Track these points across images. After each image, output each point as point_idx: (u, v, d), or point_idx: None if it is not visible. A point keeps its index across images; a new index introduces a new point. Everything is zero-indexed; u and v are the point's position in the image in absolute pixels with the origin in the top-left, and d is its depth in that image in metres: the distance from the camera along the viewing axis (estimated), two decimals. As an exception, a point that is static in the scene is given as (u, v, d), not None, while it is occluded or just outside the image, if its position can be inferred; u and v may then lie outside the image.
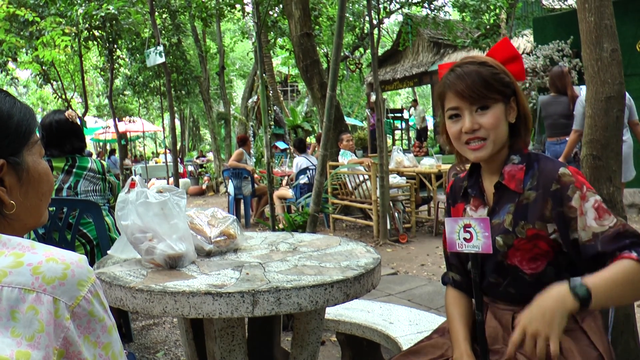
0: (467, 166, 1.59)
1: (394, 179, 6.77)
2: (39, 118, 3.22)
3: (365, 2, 8.44)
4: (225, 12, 11.56)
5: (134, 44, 11.69)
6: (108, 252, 2.05)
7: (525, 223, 1.39)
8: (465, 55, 1.56)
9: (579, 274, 1.30)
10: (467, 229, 1.37)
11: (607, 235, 1.30)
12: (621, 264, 1.25)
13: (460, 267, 1.57)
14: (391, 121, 16.35)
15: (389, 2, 11.00)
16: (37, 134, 0.94)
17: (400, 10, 12.11)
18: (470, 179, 1.55)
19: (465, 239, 1.37)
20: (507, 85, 1.43)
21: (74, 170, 3.14)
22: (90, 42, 10.00)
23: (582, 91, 5.06)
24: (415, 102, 18.92)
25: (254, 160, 12.40)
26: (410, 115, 18.27)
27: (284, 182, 9.01)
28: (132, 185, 1.91)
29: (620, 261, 1.26)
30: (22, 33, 8.65)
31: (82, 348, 0.79)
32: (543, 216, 1.37)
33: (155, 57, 6.88)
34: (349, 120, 17.35)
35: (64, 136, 3.13)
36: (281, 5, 10.03)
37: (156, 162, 19.70)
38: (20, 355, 0.72)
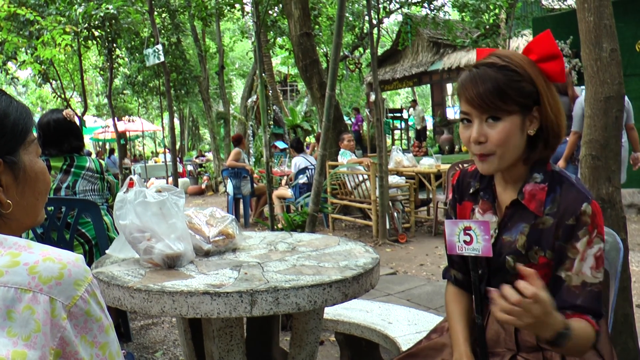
0: (464, 165, 1.56)
1: (393, 179, 6.77)
2: (37, 117, 3.23)
3: (364, 2, 8.44)
4: (225, 11, 11.56)
5: (133, 43, 11.69)
6: (106, 251, 2.05)
7: (538, 249, 1.33)
8: (494, 50, 1.40)
9: None
10: (467, 231, 1.33)
11: (594, 291, 1.28)
12: (587, 327, 1.25)
13: (462, 265, 1.52)
14: (390, 121, 16.35)
15: (388, 2, 11.00)
16: (34, 133, 0.94)
17: (399, 10, 12.12)
18: (483, 180, 1.47)
19: (465, 241, 1.33)
20: (529, 95, 1.29)
21: (72, 169, 3.13)
22: (89, 42, 10.00)
23: (582, 92, 5.07)
24: (414, 102, 18.92)
25: (253, 159, 12.41)
26: (409, 115, 18.27)
27: (283, 181, 9.02)
28: (131, 184, 1.91)
29: (587, 323, 1.26)
30: (21, 32, 8.64)
31: (79, 348, 0.78)
32: (553, 246, 1.32)
33: (155, 57, 6.87)
34: (349, 120, 17.35)
35: (62, 135, 3.13)
36: (281, 5, 10.03)
37: (155, 162, 19.71)
38: (16, 355, 0.72)
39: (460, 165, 6.25)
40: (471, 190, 1.48)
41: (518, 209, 1.37)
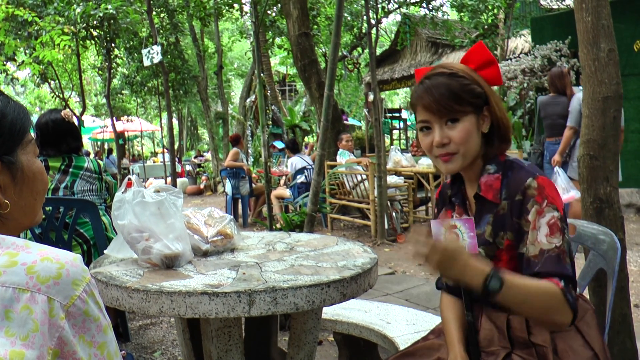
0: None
1: (391, 179, 6.78)
2: (35, 117, 3.23)
3: (363, 2, 8.45)
4: (224, 11, 11.55)
5: (131, 43, 11.68)
6: (104, 251, 2.05)
7: (504, 234, 1.38)
8: (439, 63, 1.54)
9: None
10: (452, 230, 1.37)
11: (551, 255, 1.30)
12: (547, 284, 1.27)
13: None
14: (389, 121, 16.35)
15: (387, 2, 11.01)
16: (32, 133, 0.94)
17: (398, 10, 12.12)
18: (454, 186, 1.55)
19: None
20: (478, 95, 1.39)
21: (71, 169, 3.13)
22: (88, 42, 9.98)
23: (580, 92, 5.08)
24: None
25: (252, 159, 12.41)
26: (411, 114, 18.22)
27: (282, 181, 9.02)
28: (129, 184, 1.91)
29: (547, 281, 1.28)
30: (19, 33, 8.62)
31: (77, 348, 0.78)
32: (512, 227, 1.37)
33: (153, 57, 6.87)
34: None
35: (60, 135, 3.12)
36: (279, 5, 10.02)
37: (154, 162, 19.69)
38: (14, 354, 0.72)
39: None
40: (447, 200, 1.56)
41: (482, 202, 1.44)
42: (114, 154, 16.45)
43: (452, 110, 1.37)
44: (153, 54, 6.73)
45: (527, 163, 1.45)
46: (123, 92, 16.27)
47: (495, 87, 1.52)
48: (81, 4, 8.32)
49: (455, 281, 1.29)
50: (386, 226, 6.35)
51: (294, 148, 8.55)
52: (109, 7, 8.24)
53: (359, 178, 6.67)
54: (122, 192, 1.88)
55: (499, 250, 1.38)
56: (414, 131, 17.64)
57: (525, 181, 1.35)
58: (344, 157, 7.07)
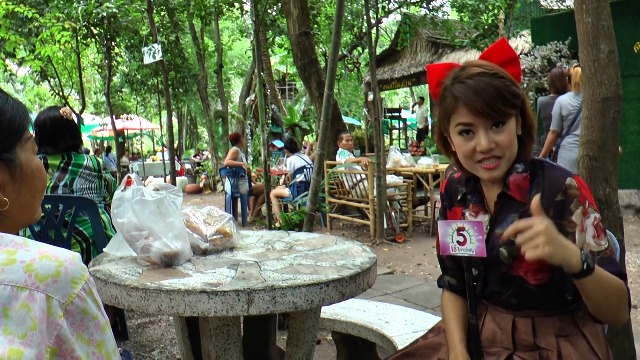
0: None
1: (391, 179, 6.78)
2: (34, 115, 3.22)
3: (363, 1, 8.45)
4: (224, 10, 11.54)
5: (132, 41, 11.67)
6: (104, 249, 2.05)
7: None
8: (467, 60, 1.46)
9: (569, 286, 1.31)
10: (460, 232, 1.34)
11: (604, 257, 1.29)
12: (619, 279, 1.27)
13: (456, 271, 1.53)
14: (389, 121, 16.34)
15: (387, 2, 11.01)
16: (30, 131, 0.94)
17: (398, 10, 12.12)
18: (469, 184, 1.49)
19: (458, 242, 1.34)
20: (518, 96, 1.34)
21: (70, 167, 3.13)
22: (88, 39, 9.98)
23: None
24: (421, 100, 18.64)
25: (251, 158, 12.40)
26: (412, 112, 18.16)
27: (281, 180, 9.02)
28: (129, 182, 1.91)
29: (614, 276, 1.27)
30: (20, 29, 8.61)
31: (75, 346, 0.78)
32: None
33: (153, 55, 6.87)
34: (347, 120, 17.35)
35: (58, 133, 3.12)
36: (279, 4, 10.02)
37: (153, 160, 19.67)
38: (12, 353, 0.72)
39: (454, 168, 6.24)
40: (459, 197, 1.51)
41: (505, 201, 1.40)
42: (113, 152, 16.44)
43: (501, 114, 1.30)
44: (154, 52, 6.73)
45: (553, 162, 1.42)
46: (123, 90, 16.27)
47: None
48: (82, 1, 8.31)
49: (560, 262, 1.18)
50: (385, 226, 6.35)
51: (292, 147, 8.56)
52: (111, 5, 8.24)
53: (358, 177, 6.67)
54: (122, 191, 1.87)
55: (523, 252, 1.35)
56: (414, 131, 17.64)
57: (564, 181, 1.32)
58: (343, 156, 7.07)
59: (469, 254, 1.33)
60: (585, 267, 1.19)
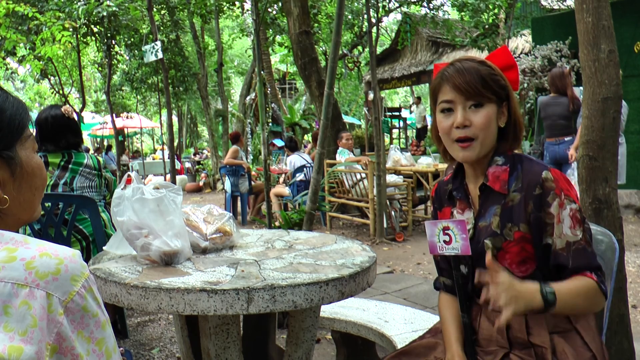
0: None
1: (391, 178, 6.78)
2: (35, 113, 3.23)
3: (364, 0, 8.45)
4: (224, 8, 11.54)
5: (132, 40, 11.67)
6: (104, 248, 2.05)
7: (512, 225, 1.39)
8: (463, 55, 1.58)
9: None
10: (446, 231, 1.37)
11: (578, 249, 1.35)
12: (584, 280, 1.33)
13: (451, 272, 1.54)
14: (389, 120, 16.34)
15: (387, 1, 11.00)
16: (30, 129, 0.94)
17: (399, 9, 12.11)
18: (455, 181, 1.55)
19: (445, 241, 1.38)
20: (503, 87, 1.43)
21: (70, 166, 3.13)
22: (88, 38, 9.98)
23: (581, 92, 5.12)
24: (418, 100, 18.76)
25: (251, 157, 12.40)
26: (411, 112, 18.19)
27: (281, 179, 9.02)
28: (128, 181, 1.91)
29: (583, 277, 1.33)
30: (20, 28, 8.62)
31: (75, 343, 0.78)
32: (527, 219, 1.38)
33: (153, 54, 6.86)
34: (347, 119, 17.34)
35: (59, 131, 3.12)
36: (280, 3, 10.02)
37: (153, 159, 19.67)
38: (12, 350, 0.72)
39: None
40: (447, 196, 1.56)
41: (488, 194, 1.45)
42: (114, 151, 16.44)
43: (479, 94, 1.39)
44: (154, 50, 6.73)
45: (533, 157, 1.48)
46: (123, 88, 16.26)
47: None
48: (82, 0, 8.31)
49: (525, 312, 1.29)
50: (385, 225, 6.35)
51: (292, 146, 8.55)
52: (111, 3, 8.24)
53: (358, 177, 6.67)
54: (122, 189, 1.88)
55: (507, 242, 1.39)
56: (414, 130, 17.64)
57: (541, 174, 1.37)
58: (343, 155, 7.07)
59: (455, 252, 1.37)
60: (546, 303, 1.27)
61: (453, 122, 1.41)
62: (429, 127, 18.48)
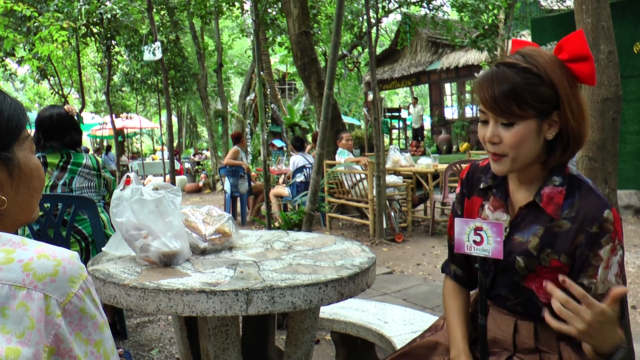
0: (461, 165, 1.55)
1: (390, 179, 6.78)
2: (34, 114, 3.23)
3: (363, 1, 8.45)
4: (224, 9, 11.54)
5: (132, 40, 11.67)
6: (102, 249, 2.05)
7: (552, 252, 1.30)
8: (529, 43, 1.35)
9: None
10: (478, 231, 1.29)
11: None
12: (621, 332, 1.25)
13: (463, 262, 1.50)
14: (388, 120, 16.35)
15: (387, 1, 11.01)
16: (28, 130, 0.94)
17: (398, 10, 12.12)
18: (497, 177, 1.42)
19: (475, 241, 1.30)
20: (547, 100, 1.24)
21: (69, 166, 3.13)
22: (88, 38, 9.98)
23: None
24: (415, 100, 18.83)
25: (251, 157, 12.40)
26: (409, 114, 18.21)
27: (281, 180, 9.02)
28: (128, 182, 1.91)
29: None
30: (19, 28, 8.61)
31: (73, 345, 0.78)
32: (570, 250, 1.28)
33: (153, 54, 6.87)
34: (347, 119, 17.35)
35: (65, 129, 3.13)
36: (280, 3, 10.02)
37: (153, 159, 19.67)
38: (10, 352, 0.72)
39: (457, 166, 6.26)
40: (482, 186, 1.45)
41: (533, 210, 1.34)
42: (113, 151, 16.44)
43: (510, 113, 1.24)
44: (154, 50, 6.73)
45: (591, 183, 1.35)
46: (123, 89, 16.27)
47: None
48: (82, 0, 8.31)
49: (591, 344, 1.18)
50: (384, 226, 6.35)
51: (298, 146, 8.45)
52: (113, 5, 8.25)
53: (358, 177, 6.67)
54: (121, 190, 1.87)
55: (541, 267, 1.30)
56: (412, 130, 17.65)
57: (602, 213, 1.26)
58: (343, 156, 7.07)
59: (485, 254, 1.30)
60: (609, 357, 1.19)
61: (484, 134, 1.31)
62: (425, 127, 18.53)
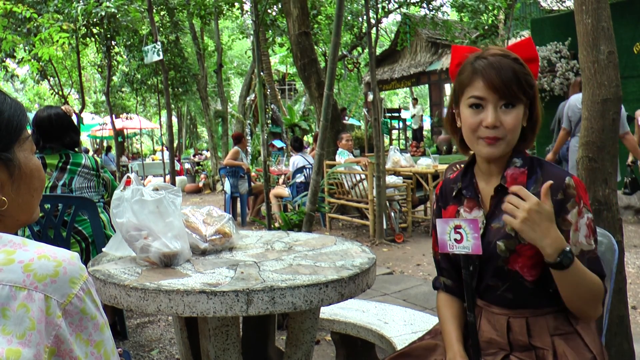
0: (461, 165, 1.57)
1: (390, 179, 6.78)
2: (32, 114, 3.23)
3: (363, 2, 8.45)
4: (224, 9, 11.54)
5: (131, 41, 11.67)
6: (103, 249, 2.05)
7: None
8: (494, 46, 1.51)
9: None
10: (457, 229, 1.36)
11: (591, 258, 1.35)
12: (597, 277, 1.33)
13: (452, 272, 1.54)
14: (388, 121, 16.35)
15: (387, 2, 11.01)
16: (28, 130, 0.94)
17: (398, 10, 12.13)
18: (465, 179, 1.50)
19: (455, 240, 1.37)
20: (532, 87, 1.38)
21: (68, 167, 3.12)
22: (87, 39, 9.98)
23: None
24: (415, 100, 18.84)
25: (251, 158, 12.40)
26: (413, 115, 18.21)
27: (281, 180, 9.01)
28: (128, 182, 1.91)
29: (594, 275, 1.33)
30: (19, 29, 8.61)
31: (73, 346, 0.78)
32: None
33: (153, 55, 6.86)
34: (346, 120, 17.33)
35: (63, 129, 3.13)
36: (280, 4, 10.02)
37: (153, 160, 19.67)
38: (10, 353, 0.72)
39: (457, 166, 6.25)
40: (454, 193, 1.52)
41: (502, 195, 1.39)
42: (113, 152, 16.44)
43: (513, 94, 1.34)
44: (154, 51, 6.73)
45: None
46: (122, 89, 16.27)
47: None
48: (81, 1, 8.31)
49: (531, 242, 1.27)
50: (384, 226, 6.35)
51: (297, 146, 8.47)
52: (111, 5, 8.24)
53: (358, 178, 6.67)
54: (121, 190, 1.87)
55: (520, 245, 1.35)
56: (412, 130, 17.64)
57: (564, 180, 1.35)
58: (343, 156, 7.07)
59: (465, 251, 1.36)
60: (559, 260, 1.25)
61: (482, 120, 1.36)
62: (425, 128, 18.52)
